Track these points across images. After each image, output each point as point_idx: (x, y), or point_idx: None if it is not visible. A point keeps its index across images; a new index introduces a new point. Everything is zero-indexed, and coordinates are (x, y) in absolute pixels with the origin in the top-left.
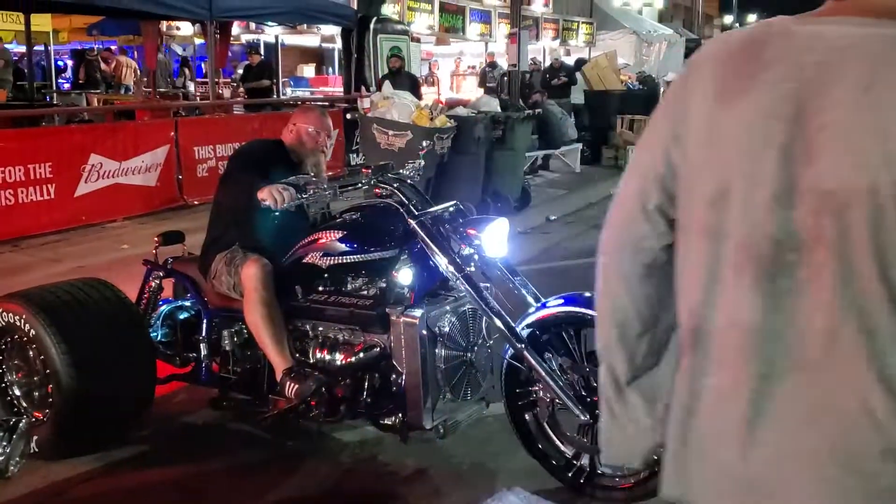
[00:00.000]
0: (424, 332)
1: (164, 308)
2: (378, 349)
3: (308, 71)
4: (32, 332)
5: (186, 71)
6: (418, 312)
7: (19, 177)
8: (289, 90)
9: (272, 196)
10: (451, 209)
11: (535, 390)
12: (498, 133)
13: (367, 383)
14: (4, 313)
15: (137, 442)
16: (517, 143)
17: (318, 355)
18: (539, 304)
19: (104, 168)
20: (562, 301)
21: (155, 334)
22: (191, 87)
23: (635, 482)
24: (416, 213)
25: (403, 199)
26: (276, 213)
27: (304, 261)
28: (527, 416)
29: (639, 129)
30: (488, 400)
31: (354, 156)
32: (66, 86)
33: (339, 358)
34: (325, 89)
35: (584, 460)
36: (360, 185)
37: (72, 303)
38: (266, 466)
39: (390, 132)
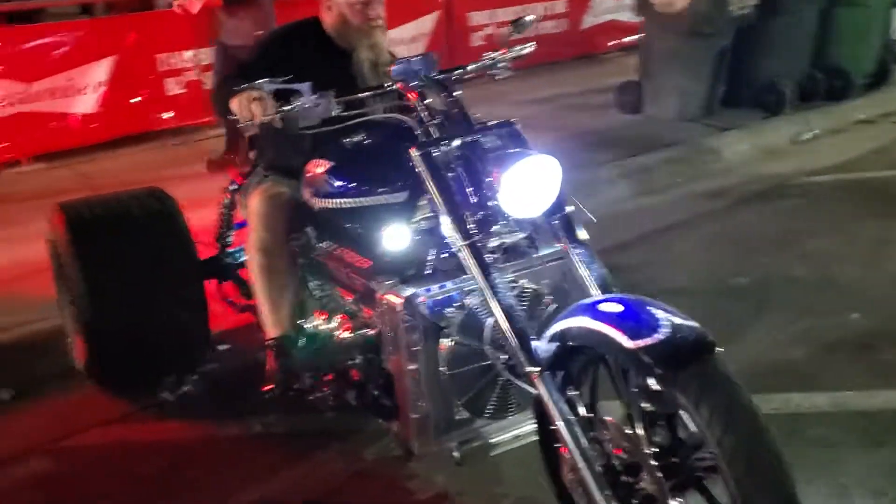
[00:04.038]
0: (414, 319)
1: None
2: (372, 333)
3: None
4: (62, 249)
5: None
6: (407, 291)
7: None
8: None
9: (241, 108)
10: (502, 132)
11: None
12: None
13: (355, 376)
14: (50, 225)
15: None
16: None
17: (315, 326)
18: (594, 299)
19: None
20: (621, 308)
21: (239, 257)
22: None
23: None
24: (428, 140)
25: (426, 115)
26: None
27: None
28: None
29: None
30: None
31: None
32: None
33: (334, 335)
34: None
35: None
36: (372, 93)
37: (105, 218)
38: (280, 445)
39: None
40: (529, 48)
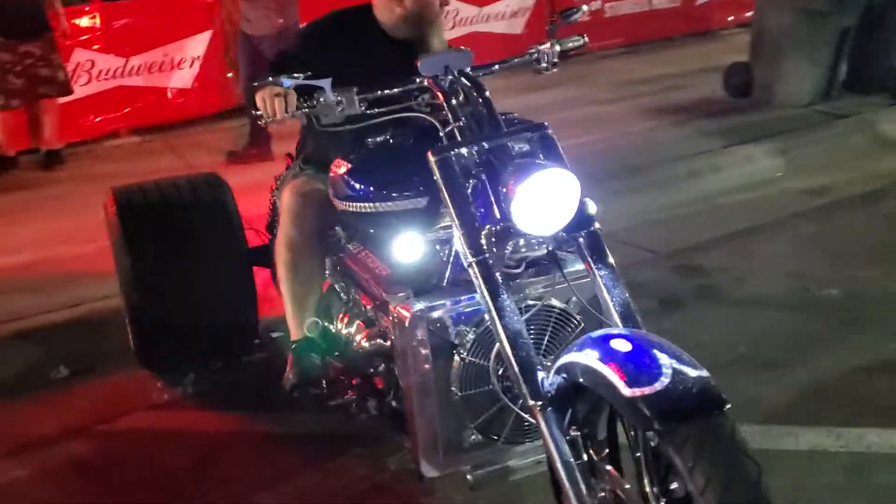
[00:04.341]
0: (424, 335)
1: None
2: (388, 344)
3: None
4: (114, 234)
5: None
6: (419, 305)
7: None
8: None
9: (263, 104)
10: (533, 136)
11: None
12: None
13: (376, 384)
14: (105, 207)
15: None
16: None
17: (337, 330)
18: (605, 332)
19: (460, 15)
20: (629, 347)
21: None
22: None
23: None
24: (449, 144)
25: (451, 116)
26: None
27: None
28: None
29: None
30: None
31: None
32: None
33: (354, 341)
34: None
35: None
36: (399, 90)
37: (155, 204)
38: (305, 446)
39: None
40: (579, 42)
